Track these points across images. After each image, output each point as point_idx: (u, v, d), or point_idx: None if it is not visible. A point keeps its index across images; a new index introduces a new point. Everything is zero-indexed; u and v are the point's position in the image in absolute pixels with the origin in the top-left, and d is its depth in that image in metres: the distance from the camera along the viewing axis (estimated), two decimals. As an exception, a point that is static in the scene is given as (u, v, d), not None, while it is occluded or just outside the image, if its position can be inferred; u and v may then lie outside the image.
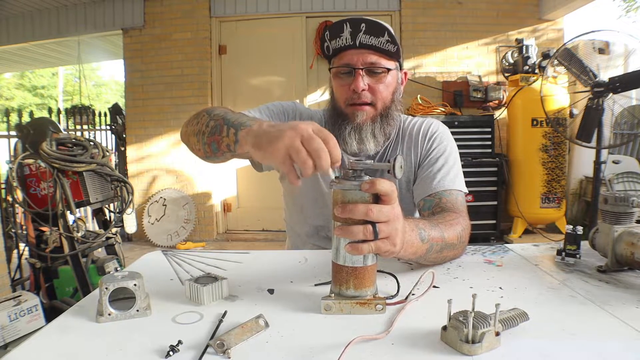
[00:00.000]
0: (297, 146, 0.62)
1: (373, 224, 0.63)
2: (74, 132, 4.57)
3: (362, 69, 1.02)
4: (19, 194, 2.25)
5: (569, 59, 2.69)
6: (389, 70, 1.04)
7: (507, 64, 4.09)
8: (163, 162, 4.55)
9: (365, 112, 1.05)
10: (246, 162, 1.23)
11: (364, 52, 1.01)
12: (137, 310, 0.66)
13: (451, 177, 1.08)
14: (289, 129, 0.64)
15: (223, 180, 4.61)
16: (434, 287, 0.78)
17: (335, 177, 0.67)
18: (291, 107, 1.17)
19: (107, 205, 2.59)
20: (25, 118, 3.73)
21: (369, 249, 0.64)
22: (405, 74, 1.15)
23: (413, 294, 0.73)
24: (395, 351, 0.55)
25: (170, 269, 0.92)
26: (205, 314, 0.68)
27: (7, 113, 4.20)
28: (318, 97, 4.46)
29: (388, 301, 0.68)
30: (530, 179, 3.76)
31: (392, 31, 1.01)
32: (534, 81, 3.68)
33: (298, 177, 0.64)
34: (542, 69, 3.57)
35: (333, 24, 1.01)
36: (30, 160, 2.26)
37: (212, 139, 0.81)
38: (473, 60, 4.31)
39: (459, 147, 1.19)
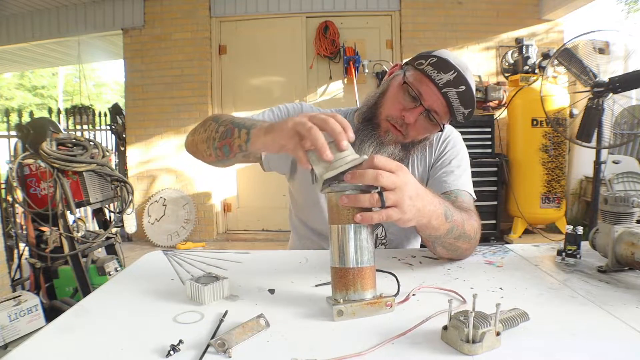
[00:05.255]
0: (304, 120, 0.68)
1: (380, 192, 0.65)
2: (74, 132, 4.57)
3: (425, 109, 1.00)
4: (19, 194, 2.25)
5: (569, 59, 2.69)
6: (441, 126, 1.03)
7: (507, 64, 4.08)
8: (163, 162, 4.54)
9: (397, 136, 1.04)
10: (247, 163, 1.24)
11: (441, 100, 0.99)
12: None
13: (464, 181, 1.09)
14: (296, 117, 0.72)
15: (223, 180, 4.61)
16: (434, 287, 0.78)
17: (328, 185, 0.67)
18: (297, 108, 1.16)
19: (107, 205, 2.60)
20: (25, 118, 3.73)
21: (379, 218, 0.66)
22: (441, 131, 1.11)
23: (414, 294, 0.73)
24: (396, 350, 0.56)
25: (170, 269, 0.92)
26: (206, 313, 0.68)
27: (7, 113, 4.20)
28: (318, 97, 4.46)
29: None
30: (530, 179, 3.76)
31: (473, 112, 1.01)
32: (534, 81, 3.67)
33: (308, 161, 0.68)
34: (542, 69, 3.57)
35: (446, 62, 0.98)
36: (30, 160, 2.26)
37: (224, 142, 0.87)
38: (473, 60, 4.31)
39: (460, 146, 1.19)
